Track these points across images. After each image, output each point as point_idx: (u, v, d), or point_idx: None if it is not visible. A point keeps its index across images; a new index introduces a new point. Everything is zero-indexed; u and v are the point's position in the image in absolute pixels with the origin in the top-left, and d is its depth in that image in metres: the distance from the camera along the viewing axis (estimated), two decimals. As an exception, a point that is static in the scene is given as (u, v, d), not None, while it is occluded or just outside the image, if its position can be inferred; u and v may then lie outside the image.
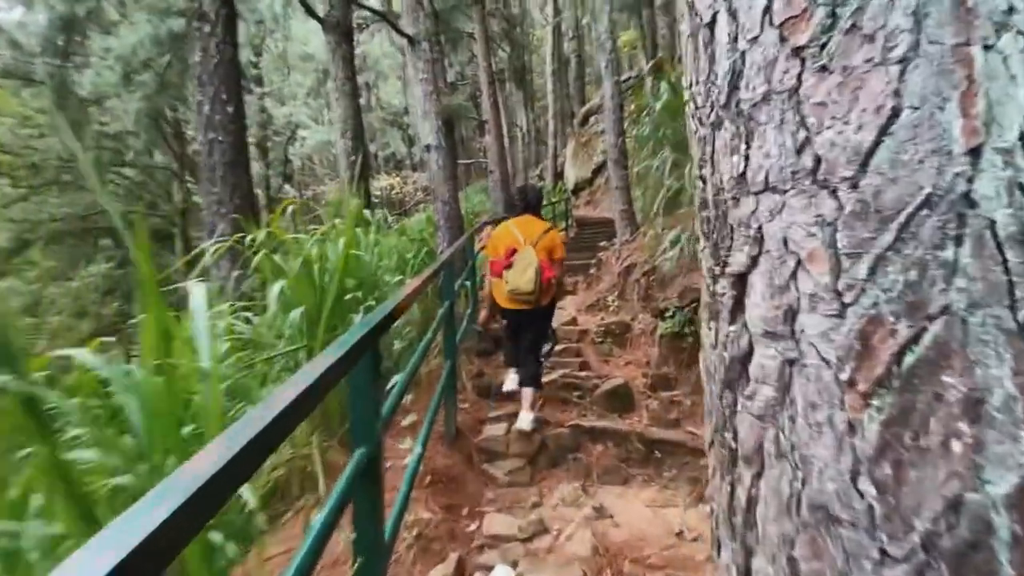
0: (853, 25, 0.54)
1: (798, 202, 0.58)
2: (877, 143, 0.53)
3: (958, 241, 0.50)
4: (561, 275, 3.10)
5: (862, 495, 0.53)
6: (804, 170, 0.57)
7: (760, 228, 0.61)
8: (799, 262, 0.57)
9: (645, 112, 5.54)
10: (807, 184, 0.57)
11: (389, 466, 2.16)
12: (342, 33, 7.91)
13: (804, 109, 0.57)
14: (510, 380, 3.21)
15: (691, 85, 0.76)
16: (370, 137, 18.75)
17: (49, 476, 1.00)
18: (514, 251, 2.91)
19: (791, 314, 0.58)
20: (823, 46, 0.56)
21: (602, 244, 7.18)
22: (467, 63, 16.09)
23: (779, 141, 0.59)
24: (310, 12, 7.62)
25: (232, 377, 1.86)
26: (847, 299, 0.54)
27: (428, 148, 4.70)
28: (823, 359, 0.55)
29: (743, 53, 0.63)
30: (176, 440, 1.19)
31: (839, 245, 0.55)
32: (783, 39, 0.59)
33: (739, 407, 0.65)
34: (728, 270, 0.66)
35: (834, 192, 0.55)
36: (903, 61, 0.53)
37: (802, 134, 0.57)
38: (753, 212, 0.62)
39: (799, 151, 0.58)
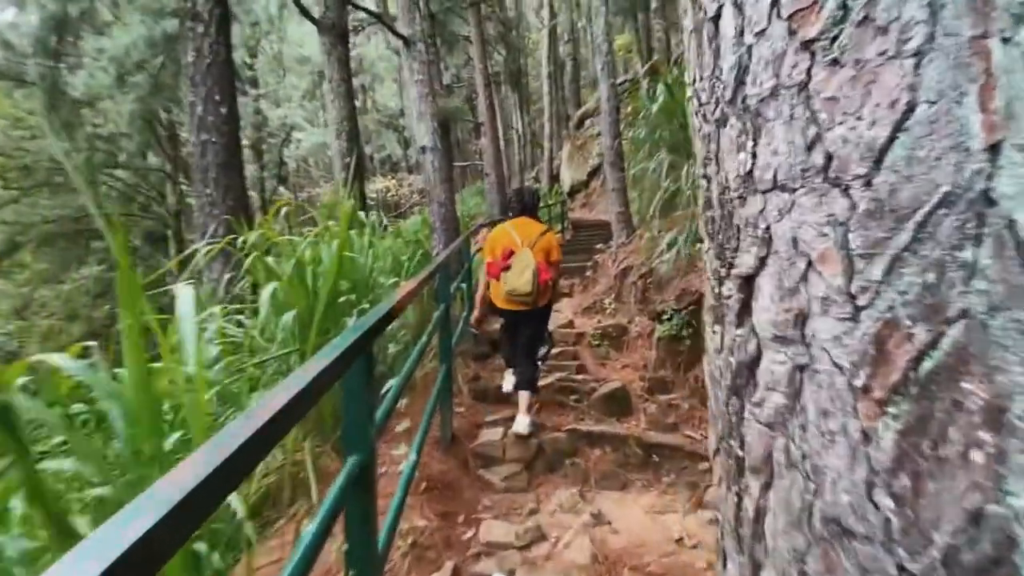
0: (865, 17, 0.52)
1: (808, 201, 0.55)
2: (892, 139, 0.51)
3: (977, 241, 0.48)
4: (557, 277, 3.11)
5: (878, 507, 0.50)
6: (815, 168, 0.55)
7: (768, 228, 0.59)
8: (810, 263, 0.55)
9: (641, 115, 5.54)
10: (818, 182, 0.55)
11: (384, 472, 2.12)
12: (337, 35, 7.88)
13: (814, 104, 0.55)
14: (508, 381, 3.20)
15: (695, 81, 0.74)
16: (366, 139, 18.72)
17: (24, 488, 0.96)
18: (511, 253, 2.92)
19: (801, 318, 0.56)
20: (834, 39, 0.54)
21: (598, 246, 7.16)
22: (463, 66, 16.10)
23: (788, 138, 0.57)
24: (305, 14, 7.59)
25: (222, 382, 1.82)
26: (861, 302, 0.52)
27: (424, 150, 4.68)
28: (836, 365, 0.53)
29: (750, 47, 0.61)
30: (158, 448, 1.15)
31: (852, 246, 0.52)
32: (792, 32, 0.57)
33: (746, 414, 0.63)
34: (734, 272, 0.64)
35: (846, 190, 0.53)
36: (918, 54, 0.50)
37: (812, 130, 0.55)
38: (761, 211, 0.60)
39: (809, 148, 0.55)
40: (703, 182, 0.73)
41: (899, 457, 0.49)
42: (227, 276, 2.89)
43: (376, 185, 18.15)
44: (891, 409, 0.50)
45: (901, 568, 0.49)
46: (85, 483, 1.13)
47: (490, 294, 3.12)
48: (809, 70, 0.55)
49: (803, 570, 0.55)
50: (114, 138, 13.24)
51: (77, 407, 1.95)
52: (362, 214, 4.11)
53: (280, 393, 0.64)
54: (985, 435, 0.46)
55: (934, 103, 0.50)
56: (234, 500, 1.16)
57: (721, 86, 0.65)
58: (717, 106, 0.66)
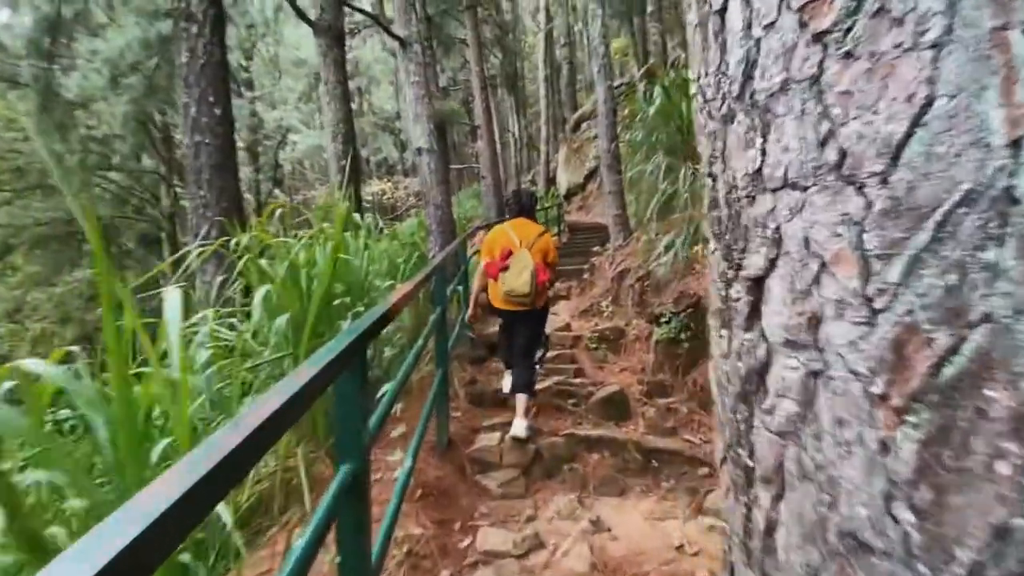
0: (880, 8, 0.50)
1: (821, 199, 0.53)
2: (909, 135, 0.49)
3: (1000, 242, 0.45)
4: (554, 279, 3.14)
5: (897, 521, 0.48)
6: (828, 165, 0.53)
7: (778, 228, 0.57)
8: (823, 265, 0.53)
9: (639, 117, 5.55)
10: (831, 180, 0.52)
11: (379, 478, 2.08)
12: (333, 37, 7.86)
13: (827, 99, 0.53)
14: (507, 382, 3.19)
15: (699, 77, 0.71)
16: (362, 142, 18.69)
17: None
18: (509, 253, 2.95)
19: (815, 321, 0.53)
20: (847, 31, 0.52)
21: (595, 249, 7.15)
22: (459, 69, 16.11)
23: (799, 134, 0.55)
24: (301, 16, 7.57)
25: (212, 387, 1.78)
26: (878, 305, 0.49)
27: (420, 151, 4.65)
28: (851, 371, 0.50)
29: (758, 40, 0.59)
30: (139, 457, 1.11)
31: (868, 246, 0.50)
32: (803, 24, 0.55)
33: (756, 422, 0.60)
34: (743, 274, 0.61)
35: (861, 188, 0.51)
36: (936, 46, 0.48)
37: (825, 126, 0.53)
38: (771, 211, 0.58)
39: (822, 144, 0.53)
40: (708, 181, 0.70)
41: (919, 468, 0.47)
42: (220, 279, 2.85)
43: (372, 188, 18.10)
44: (910, 418, 0.47)
45: (923, 585, 0.46)
46: (64, 495, 1.09)
47: (488, 295, 3.14)
48: (821, 63, 0.53)
49: (818, 587, 0.53)
50: (108, 140, 13.15)
51: (65, 413, 1.91)
52: (358, 216, 4.08)
53: (269, 400, 0.61)
54: (1010, 445, 0.44)
55: (953, 97, 0.48)
56: (222, 509, 1.13)
57: (728, 81, 0.63)
58: (724, 102, 0.64)
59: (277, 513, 1.93)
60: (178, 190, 13.95)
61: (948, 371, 0.46)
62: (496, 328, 4.19)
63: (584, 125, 16.38)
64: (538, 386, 3.25)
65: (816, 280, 0.53)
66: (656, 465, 2.61)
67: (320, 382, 0.75)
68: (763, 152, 0.59)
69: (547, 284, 2.96)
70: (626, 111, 8.37)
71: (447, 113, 9.28)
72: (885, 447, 0.49)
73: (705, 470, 2.51)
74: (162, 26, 9.81)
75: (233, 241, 2.56)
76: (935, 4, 0.48)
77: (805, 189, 0.54)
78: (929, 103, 0.48)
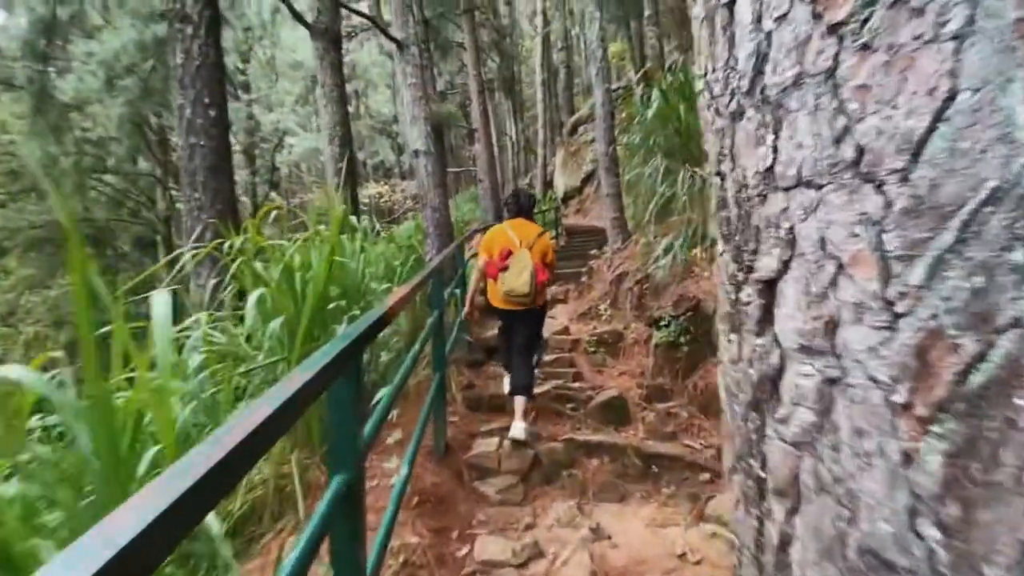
0: (899, -3, 0.48)
1: (838, 198, 0.51)
2: (931, 130, 0.46)
3: (1029, 242, 0.43)
4: (552, 279, 3.18)
5: (922, 538, 0.45)
6: (844, 162, 0.50)
7: (792, 228, 0.54)
8: (840, 266, 0.50)
9: (636, 120, 5.54)
10: (848, 178, 0.50)
11: (374, 484, 2.04)
12: (330, 40, 7.85)
13: (843, 93, 0.51)
14: (507, 384, 3.17)
15: (706, 73, 0.69)
16: (359, 145, 18.67)
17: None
18: (509, 253, 2.97)
19: (831, 326, 0.51)
20: (864, 22, 0.50)
21: (592, 252, 7.14)
22: (456, 72, 16.13)
23: (814, 130, 0.52)
24: (298, 18, 7.56)
25: (201, 393, 1.74)
26: (899, 309, 0.47)
27: (417, 154, 4.63)
28: (871, 378, 0.48)
29: (769, 34, 0.57)
30: (117, 467, 1.07)
31: (888, 247, 0.48)
32: (816, 16, 0.53)
33: (768, 431, 0.58)
34: (754, 276, 0.59)
35: (880, 186, 0.48)
36: (958, 38, 0.46)
37: (841, 121, 0.51)
38: (783, 211, 0.55)
39: (838, 140, 0.51)
40: (716, 180, 0.68)
41: (945, 482, 0.45)
42: (212, 282, 2.81)
43: (369, 191, 18.08)
44: (936, 428, 0.45)
45: (950, 607, 0.44)
46: (42, 508, 1.05)
47: (487, 296, 3.17)
48: (836, 56, 0.51)
49: (836, 606, 0.50)
50: (103, 142, 13.09)
51: (54, 418, 1.86)
52: (354, 219, 4.05)
53: (258, 410, 0.58)
54: (1043, 457, 0.41)
55: (977, 91, 0.45)
56: (212, 520, 1.09)
57: (737, 76, 0.61)
58: (732, 98, 0.62)
59: (271, 520, 1.89)
60: (174, 193, 13.88)
61: (975, 379, 0.43)
62: (494, 332, 4.17)
63: (581, 129, 16.41)
64: (536, 390, 3.22)
65: (833, 283, 0.51)
66: (656, 471, 2.58)
67: (312, 389, 0.72)
68: (775, 149, 0.56)
69: (546, 284, 3.01)
70: (623, 114, 8.38)
71: (444, 116, 9.28)
72: (908, 459, 0.46)
73: (706, 476, 2.48)
74: (158, 28, 9.79)
75: (227, 244, 2.52)
76: (957, -7, 0.46)
77: (820, 187, 0.52)
78: (951, 97, 0.46)
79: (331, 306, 2.49)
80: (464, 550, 1.85)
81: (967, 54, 0.46)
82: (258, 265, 2.41)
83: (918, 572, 0.46)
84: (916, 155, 0.47)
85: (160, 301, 1.32)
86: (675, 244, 3.90)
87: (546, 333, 3.75)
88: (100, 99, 11.14)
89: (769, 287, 0.57)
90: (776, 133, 0.56)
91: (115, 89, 10.75)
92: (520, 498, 2.39)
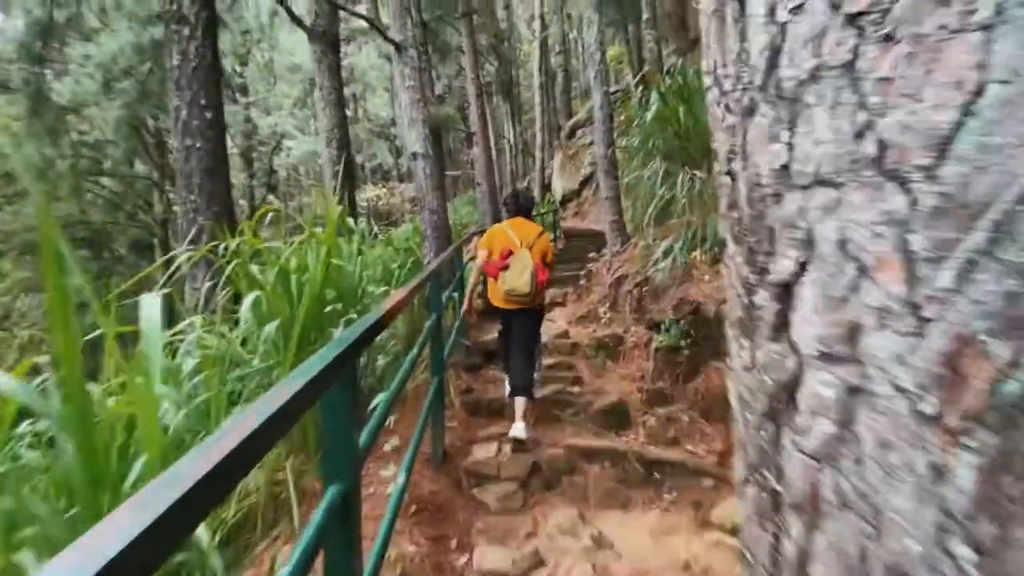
0: (923, -14, 0.46)
1: (859, 197, 0.48)
2: (959, 125, 0.44)
3: (1066, 242, 0.40)
4: (550, 280, 3.23)
5: (953, 557, 0.43)
6: (866, 158, 0.48)
7: (810, 229, 0.52)
8: (862, 269, 0.48)
9: (635, 123, 5.53)
10: (869, 175, 0.47)
11: (371, 492, 2.00)
12: (328, 43, 7.84)
13: (864, 86, 0.48)
14: (508, 388, 3.16)
15: (714, 69, 0.67)
16: (357, 148, 18.64)
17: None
18: (510, 252, 3.01)
19: (853, 332, 0.48)
20: (885, 12, 0.47)
21: (591, 255, 7.12)
22: (455, 76, 16.14)
23: (833, 125, 0.50)
24: (296, 21, 7.56)
25: (197, 398, 1.70)
26: (927, 314, 0.44)
27: (415, 156, 4.60)
28: (898, 388, 0.45)
29: (784, 25, 0.54)
30: (95, 478, 1.03)
31: (914, 248, 0.45)
32: (835, 6, 0.50)
33: (785, 442, 0.55)
34: (768, 279, 0.56)
35: (905, 184, 0.46)
36: (987, 27, 0.44)
37: (862, 116, 0.48)
38: (800, 210, 0.53)
39: (859, 136, 0.48)
40: (726, 180, 0.65)
41: (979, 498, 0.42)
42: (207, 285, 2.77)
43: (367, 193, 18.05)
44: (967, 441, 0.42)
45: (985, 633, 0.41)
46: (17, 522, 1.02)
47: (486, 297, 3.21)
48: (857, 48, 0.48)
49: (861, 630, 0.47)
50: (100, 145, 13.04)
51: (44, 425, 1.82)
52: (352, 221, 4.02)
53: (245, 421, 0.54)
54: (1084, 473, 0.39)
55: (1008, 83, 0.43)
56: (201, 531, 1.05)
57: (749, 71, 0.58)
58: (744, 93, 0.59)
59: (265, 528, 1.86)
60: (171, 196, 13.83)
61: (1010, 388, 0.41)
62: (492, 335, 4.14)
63: (579, 132, 16.44)
64: (536, 394, 3.20)
65: (854, 286, 0.48)
66: (658, 477, 2.53)
67: (305, 398, 0.69)
68: (791, 146, 0.54)
69: (545, 284, 3.06)
70: (622, 117, 8.39)
71: (443, 119, 9.27)
72: (939, 474, 0.43)
73: (709, 482, 2.44)
74: (155, 31, 9.77)
75: (221, 246, 2.49)
76: (984, -19, 0.44)
77: (840, 186, 0.49)
78: (980, 90, 0.43)
79: (328, 309, 2.46)
80: (463, 559, 1.81)
81: (997, 45, 0.43)
82: (254, 268, 2.37)
83: (950, 595, 0.43)
84: (943, 151, 0.44)
85: (150, 304, 1.29)
86: (675, 247, 3.88)
87: (545, 337, 3.73)
88: (97, 102, 11.11)
89: (785, 290, 0.54)
90: (792, 129, 0.53)
91: (112, 92, 10.72)
92: (520, 505, 2.35)
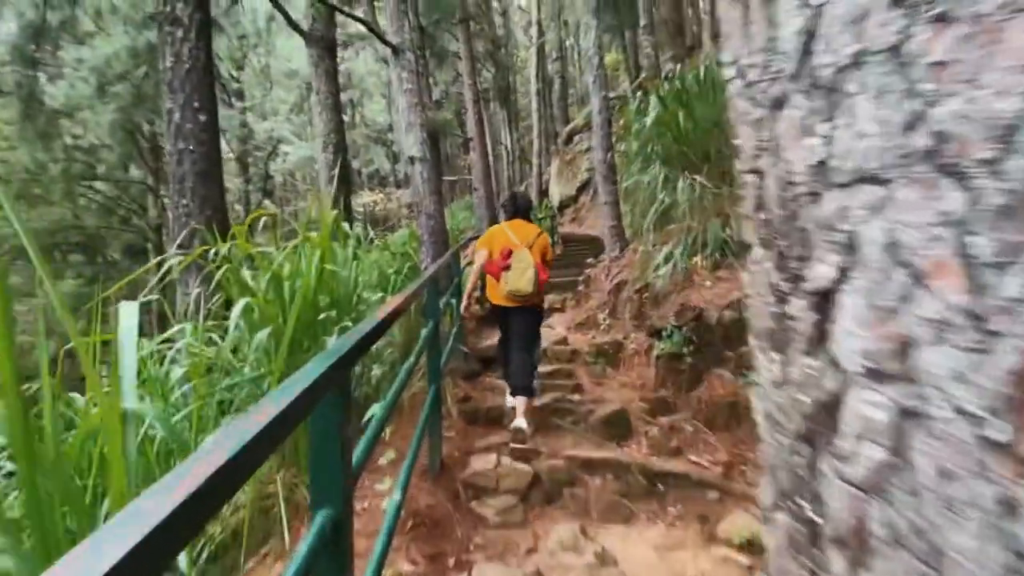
0: (981, -41, 0.41)
1: (910, 195, 0.43)
2: (1026, 113, 0.39)
3: None
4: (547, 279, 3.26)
5: (1028, 606, 0.37)
6: (918, 152, 0.43)
7: (852, 231, 0.47)
8: (915, 276, 0.43)
9: (633, 128, 5.51)
10: (922, 170, 0.42)
11: (366, 506, 1.94)
12: (325, 47, 7.82)
13: (914, 72, 0.43)
14: (510, 399, 3.11)
15: (738, 59, 0.62)
16: (354, 153, 18.61)
17: None
18: (510, 252, 3.03)
19: (905, 347, 0.43)
20: (938, -11, 0.42)
21: (589, 261, 7.08)
22: (452, 82, 16.15)
23: (879, 116, 0.45)
24: (293, 25, 7.52)
25: (184, 408, 1.63)
26: (993, 327, 0.39)
27: (412, 160, 4.55)
28: (959, 410, 0.40)
29: (819, 7, 0.49)
30: (38, 510, 0.94)
31: (975, 252, 0.40)
32: (879, -16, 0.45)
33: (824, 467, 0.49)
34: (804, 286, 0.51)
35: (964, 180, 0.41)
36: (1056, 5, 0.39)
37: (913, 105, 0.43)
38: (841, 210, 0.48)
39: (909, 127, 0.43)
40: (752, 178, 0.60)
41: (1058, 539, 0.37)
42: (196, 291, 2.70)
43: (363, 199, 18.00)
44: (1044, 472, 0.37)
45: None
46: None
47: (487, 294, 3.20)
48: (906, 29, 0.43)
49: None
50: (94, 149, 12.95)
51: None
52: (347, 226, 3.95)
53: (216, 451, 0.48)
54: None
55: (1081, 66, 0.38)
56: (181, 560, 0.99)
57: (780, 59, 0.53)
58: (773, 83, 0.54)
59: (255, 545, 1.78)
60: (165, 200, 13.73)
61: (1094, 413, 0.36)
62: (490, 342, 4.08)
63: (576, 138, 16.46)
64: (536, 403, 3.14)
65: (906, 295, 0.43)
66: (662, 489, 2.47)
67: (290, 419, 0.63)
68: (828, 140, 0.49)
69: (546, 282, 3.10)
70: (620, 122, 8.38)
71: (440, 123, 9.24)
72: (1008, 509, 0.38)
73: (715, 495, 2.38)
74: (151, 35, 9.71)
75: (212, 251, 2.42)
76: (1051, -46, 0.39)
77: (887, 183, 0.44)
78: (1050, 74, 0.39)
79: (321, 316, 2.39)
80: (461, 578, 1.74)
81: (1066, 24, 0.39)
82: (245, 273, 2.31)
83: (1023, 648, 0.37)
84: (1008, 143, 0.39)
85: (128, 313, 1.22)
86: (675, 252, 3.83)
87: (544, 343, 3.67)
88: (91, 105, 11.03)
89: (824, 299, 0.49)
90: (830, 121, 0.48)
91: (107, 95, 10.65)
92: (520, 520, 2.27)
